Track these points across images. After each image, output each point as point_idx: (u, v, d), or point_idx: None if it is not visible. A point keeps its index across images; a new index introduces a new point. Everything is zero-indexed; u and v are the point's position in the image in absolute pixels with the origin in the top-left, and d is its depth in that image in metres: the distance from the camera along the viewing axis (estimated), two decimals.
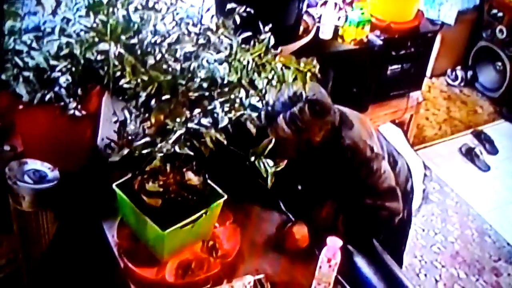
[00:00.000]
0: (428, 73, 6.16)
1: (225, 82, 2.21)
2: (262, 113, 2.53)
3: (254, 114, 2.25)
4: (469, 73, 6.54)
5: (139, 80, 2.13)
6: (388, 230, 2.90)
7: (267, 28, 2.26)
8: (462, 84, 6.58)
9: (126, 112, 2.26)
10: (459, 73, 6.55)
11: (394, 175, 2.83)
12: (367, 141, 2.72)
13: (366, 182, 2.71)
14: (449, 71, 6.63)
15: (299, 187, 2.97)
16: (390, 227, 2.88)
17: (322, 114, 2.58)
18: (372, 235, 2.83)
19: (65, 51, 2.39)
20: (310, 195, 2.92)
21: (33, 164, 2.56)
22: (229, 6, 2.29)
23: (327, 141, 2.63)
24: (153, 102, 2.16)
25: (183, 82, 2.18)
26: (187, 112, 2.13)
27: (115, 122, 2.30)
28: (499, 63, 6.22)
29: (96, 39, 2.15)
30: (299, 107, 2.53)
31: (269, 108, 2.54)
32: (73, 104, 2.52)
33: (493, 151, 5.80)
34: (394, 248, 3.04)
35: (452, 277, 4.45)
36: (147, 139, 2.16)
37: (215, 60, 2.23)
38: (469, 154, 5.68)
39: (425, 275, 4.44)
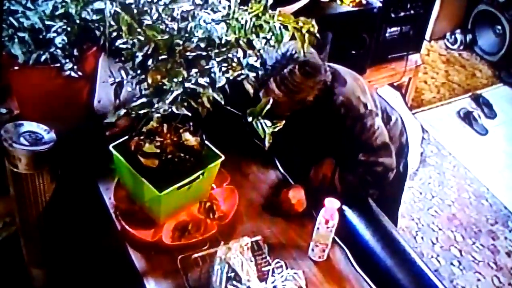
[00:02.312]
0: (427, 36, 6.13)
1: (223, 42, 2.19)
2: (256, 75, 2.52)
3: (252, 74, 2.24)
4: (468, 36, 6.52)
5: (135, 40, 2.11)
6: (384, 185, 2.91)
7: None
8: (461, 47, 6.56)
9: (122, 72, 2.25)
10: (458, 36, 6.53)
11: (388, 130, 2.83)
12: (360, 97, 2.71)
13: (360, 139, 2.71)
14: (448, 34, 6.60)
15: (295, 148, 2.97)
16: (385, 182, 2.89)
17: (312, 74, 2.56)
18: (368, 191, 2.83)
19: (61, 10, 2.38)
20: (307, 155, 2.92)
21: (29, 126, 2.54)
22: None
23: (320, 99, 2.62)
24: (150, 62, 2.15)
25: (180, 41, 2.16)
26: (184, 72, 2.12)
27: (112, 84, 2.28)
28: (499, 27, 6.20)
29: None
30: (289, 69, 2.51)
31: (260, 71, 2.52)
32: (69, 65, 2.51)
33: (491, 115, 5.80)
34: (390, 202, 3.06)
35: (449, 240, 4.48)
36: (144, 99, 2.14)
37: (212, 20, 2.21)
38: (467, 117, 5.68)
39: (422, 237, 4.46)
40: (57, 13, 2.37)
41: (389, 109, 3.05)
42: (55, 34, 2.44)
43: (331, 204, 2.43)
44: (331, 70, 2.70)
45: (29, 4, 2.44)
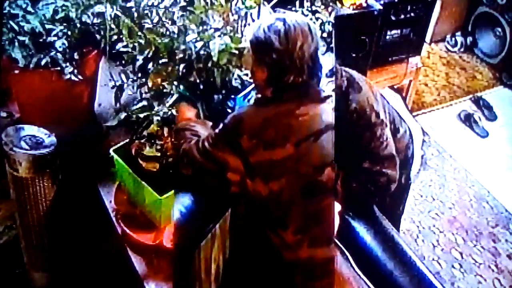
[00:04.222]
0: (428, 38, 6.12)
1: None
2: None
3: None
4: (469, 39, 6.50)
5: (136, 44, 2.11)
6: (385, 195, 2.89)
7: None
8: (462, 50, 6.55)
9: (123, 76, 2.25)
10: (459, 39, 6.52)
11: (395, 142, 2.81)
12: (374, 105, 2.68)
13: (367, 147, 2.68)
14: (448, 36, 6.59)
15: None
16: (387, 193, 2.87)
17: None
18: (370, 199, 2.82)
19: (61, 14, 2.38)
20: None
21: (29, 130, 2.54)
22: None
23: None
24: (150, 65, 2.15)
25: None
26: None
27: (113, 87, 2.28)
28: (499, 29, 6.18)
29: (92, 1, 2.13)
30: None
31: None
32: (69, 69, 2.51)
33: (492, 117, 5.79)
34: (391, 212, 3.04)
35: (450, 243, 4.46)
36: (144, 102, 2.15)
37: None
38: (468, 120, 5.66)
39: (423, 240, 4.45)
40: (57, 16, 2.38)
41: (398, 120, 3.01)
42: (55, 38, 2.44)
43: None
44: (346, 75, 2.66)
45: (29, 8, 2.44)
